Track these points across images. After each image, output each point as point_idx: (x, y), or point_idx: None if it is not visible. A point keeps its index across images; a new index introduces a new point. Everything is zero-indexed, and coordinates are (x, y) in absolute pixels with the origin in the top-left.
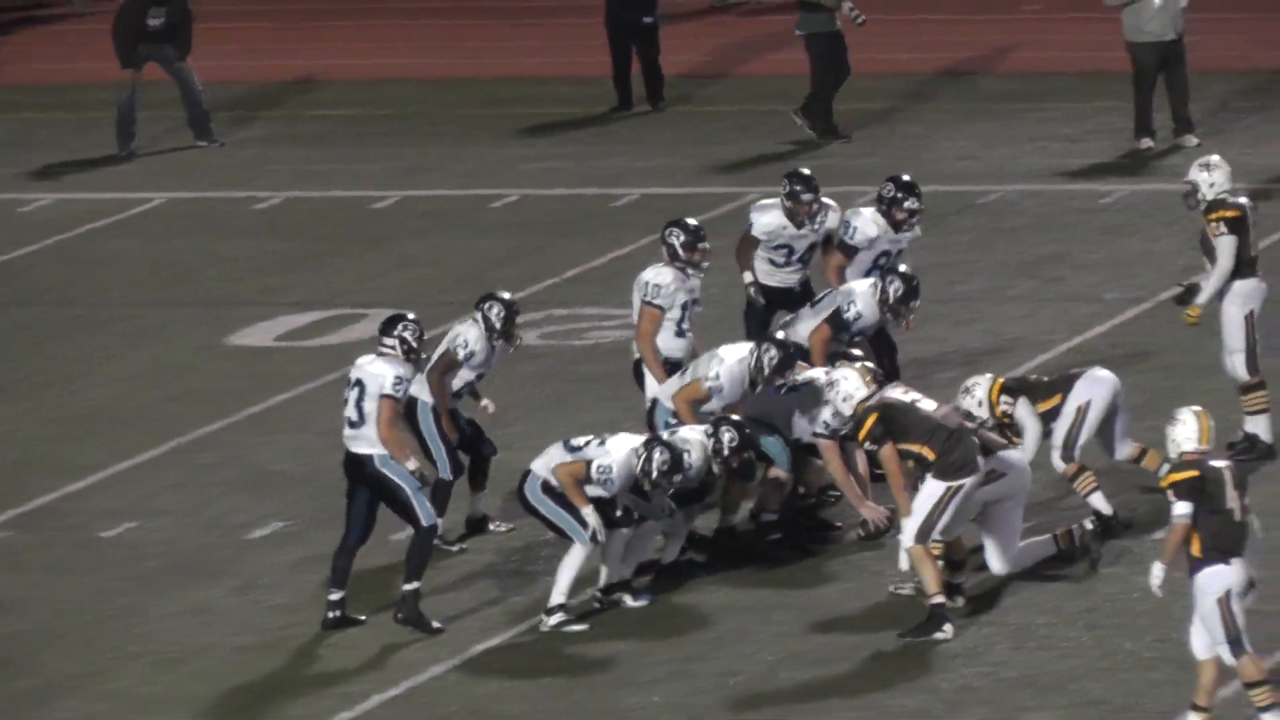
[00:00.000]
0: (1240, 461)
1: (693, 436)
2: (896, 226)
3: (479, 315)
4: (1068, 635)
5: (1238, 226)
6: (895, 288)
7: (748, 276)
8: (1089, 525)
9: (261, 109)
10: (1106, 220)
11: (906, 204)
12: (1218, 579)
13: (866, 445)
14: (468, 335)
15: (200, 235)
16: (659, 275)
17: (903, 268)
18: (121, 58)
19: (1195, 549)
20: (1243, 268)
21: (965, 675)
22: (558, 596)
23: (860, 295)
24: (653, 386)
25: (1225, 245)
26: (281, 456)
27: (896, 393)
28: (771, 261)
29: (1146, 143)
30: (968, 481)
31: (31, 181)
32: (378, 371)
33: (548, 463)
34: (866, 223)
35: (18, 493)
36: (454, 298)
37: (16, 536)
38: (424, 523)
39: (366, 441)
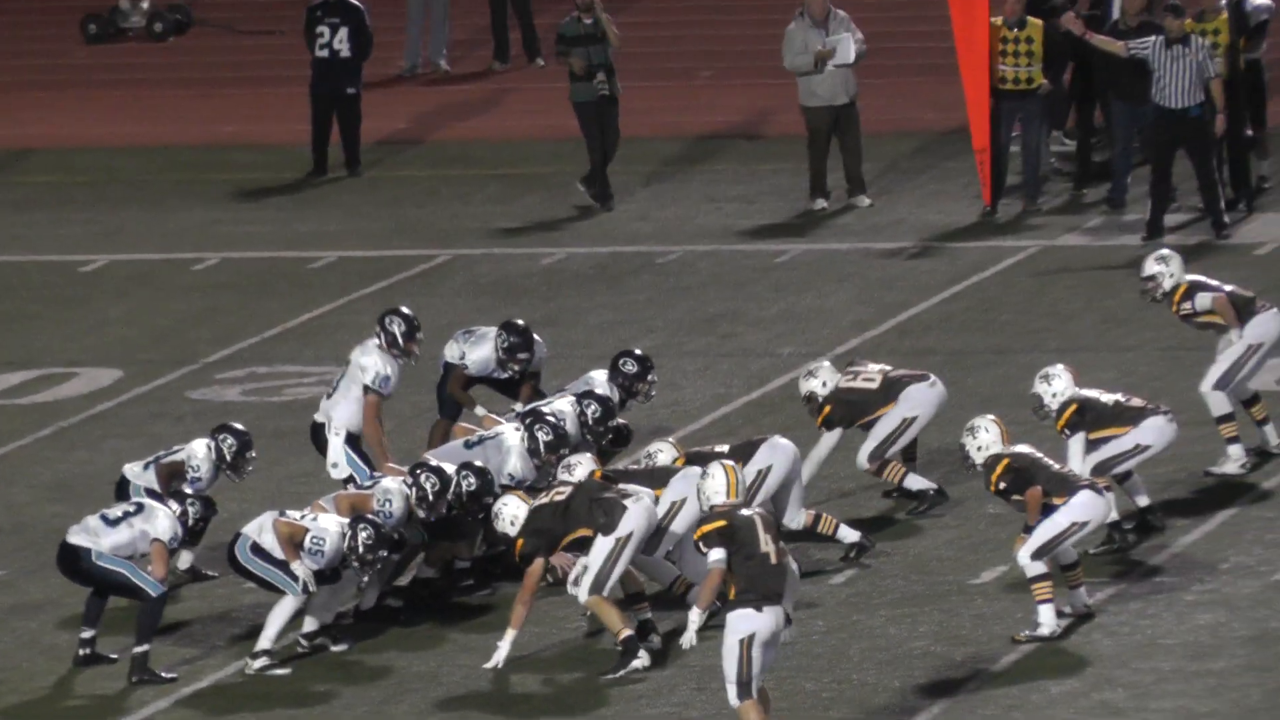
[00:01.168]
0: (919, 513)
1: (393, 486)
2: (629, 398)
3: (212, 443)
4: None
5: (832, 414)
6: (593, 410)
7: (480, 410)
8: None
9: None
10: (780, 278)
11: (649, 378)
12: (745, 622)
13: (521, 564)
14: (198, 457)
15: None
16: (385, 365)
17: (600, 390)
18: None
19: (730, 592)
20: (901, 385)
21: (650, 716)
22: (264, 642)
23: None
24: (335, 453)
25: (822, 440)
26: None
27: (541, 500)
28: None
29: (821, 203)
30: (635, 531)
31: None
32: (162, 518)
33: (259, 526)
34: (604, 390)
35: None
36: (154, 355)
37: None
38: (153, 593)
39: (91, 537)
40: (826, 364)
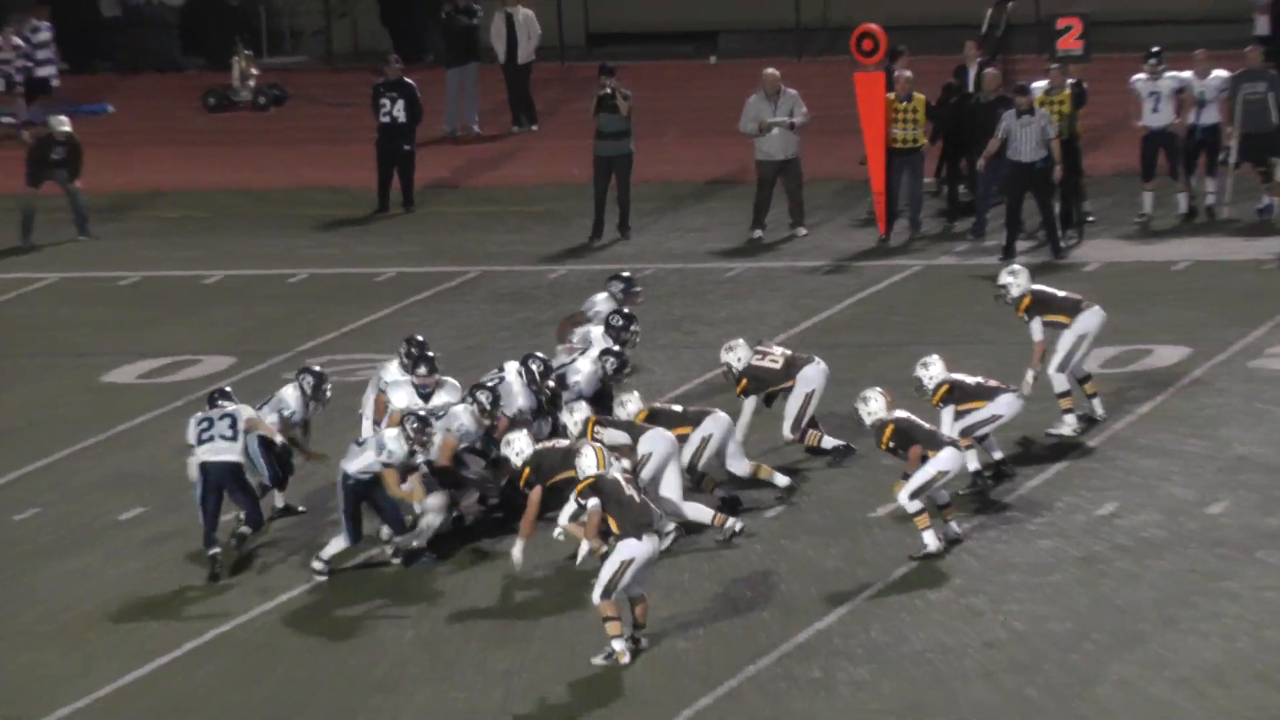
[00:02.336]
0: (834, 464)
1: (459, 409)
2: (620, 345)
3: (296, 384)
4: (703, 587)
5: (748, 386)
6: (610, 363)
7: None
8: (738, 528)
9: (123, 212)
10: (729, 289)
11: (633, 328)
12: (629, 549)
13: (525, 489)
14: (289, 398)
15: (80, 304)
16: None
17: (615, 348)
18: (28, 179)
19: (615, 529)
20: (798, 366)
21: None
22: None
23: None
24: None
25: (744, 406)
26: (139, 461)
27: (545, 446)
28: None
29: (757, 233)
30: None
31: None
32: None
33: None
34: (597, 338)
35: None
36: (258, 346)
37: None
38: (270, 482)
39: (233, 452)
40: (742, 341)
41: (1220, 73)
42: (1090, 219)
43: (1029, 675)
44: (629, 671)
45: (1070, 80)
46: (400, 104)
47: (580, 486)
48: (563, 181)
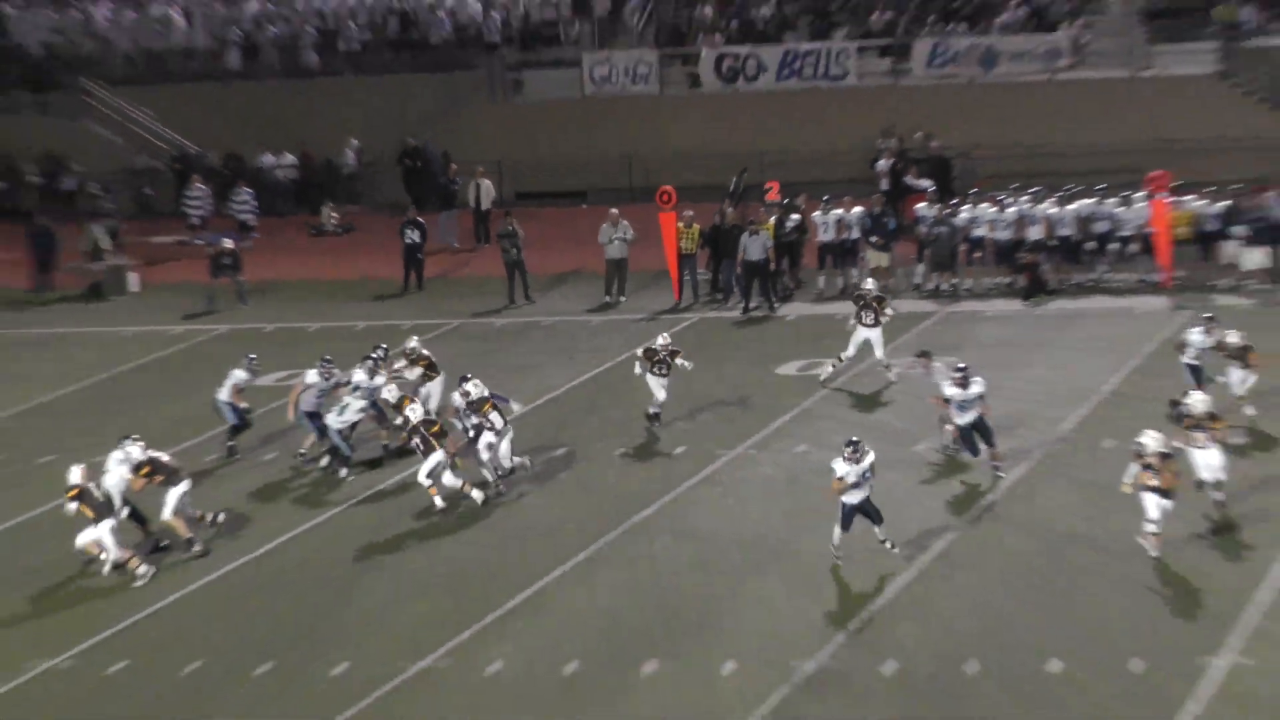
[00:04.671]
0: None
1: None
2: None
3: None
4: (500, 527)
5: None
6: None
7: None
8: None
9: (263, 292)
10: (591, 333)
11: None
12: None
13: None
14: (356, 378)
15: (242, 344)
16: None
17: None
18: (211, 273)
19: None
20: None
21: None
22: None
23: None
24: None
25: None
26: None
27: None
28: None
29: (608, 299)
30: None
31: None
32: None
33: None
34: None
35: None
36: (338, 362)
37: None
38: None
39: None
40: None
41: (858, 209)
42: (791, 290)
43: (708, 574)
44: (451, 587)
45: (792, 216)
46: (416, 232)
47: (72, 493)
48: (492, 275)
